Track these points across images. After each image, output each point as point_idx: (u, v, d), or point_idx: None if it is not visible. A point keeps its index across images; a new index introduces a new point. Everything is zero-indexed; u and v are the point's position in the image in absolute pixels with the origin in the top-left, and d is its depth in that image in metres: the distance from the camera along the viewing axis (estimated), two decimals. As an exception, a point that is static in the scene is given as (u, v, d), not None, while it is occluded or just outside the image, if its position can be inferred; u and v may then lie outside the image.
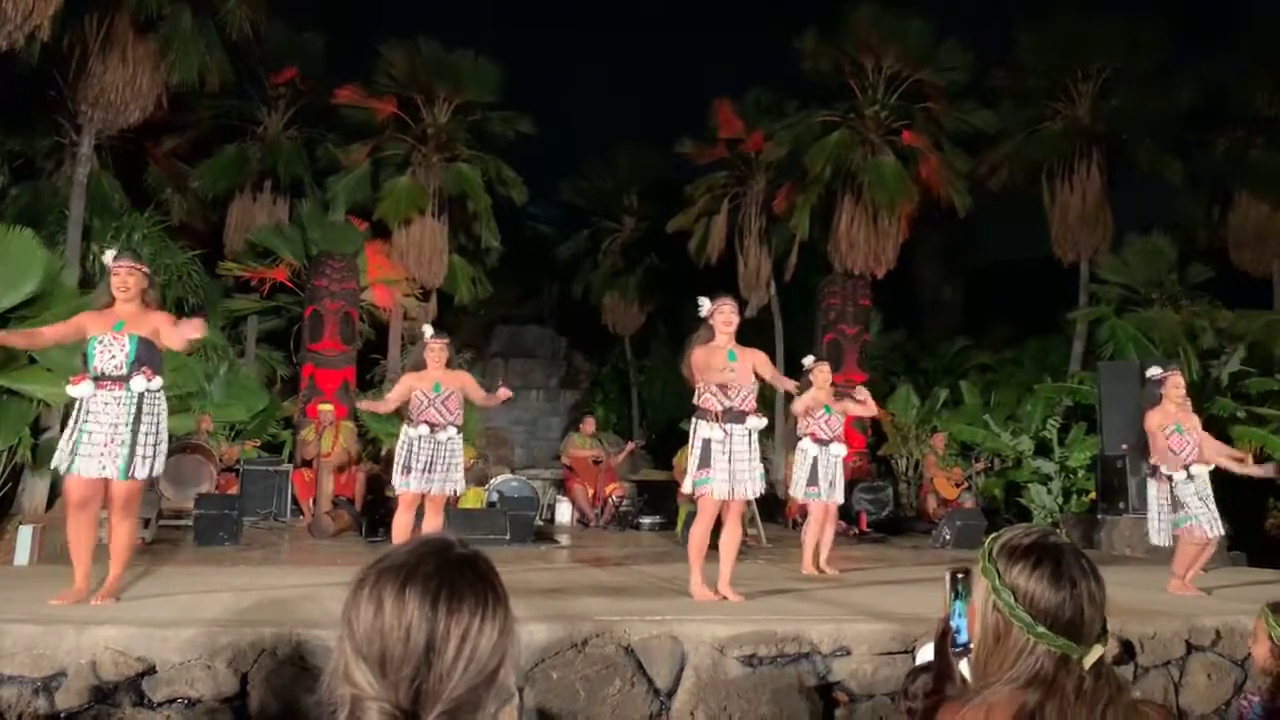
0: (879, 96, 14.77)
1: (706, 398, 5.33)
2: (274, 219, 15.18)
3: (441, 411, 6.07)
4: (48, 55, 11.30)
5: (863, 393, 7.47)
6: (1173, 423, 6.25)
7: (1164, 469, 6.23)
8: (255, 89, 15.35)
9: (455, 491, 6.29)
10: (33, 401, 8.07)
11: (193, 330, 4.70)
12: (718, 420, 5.25)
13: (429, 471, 6.01)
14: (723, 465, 5.21)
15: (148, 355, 4.76)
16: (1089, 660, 1.39)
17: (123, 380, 4.69)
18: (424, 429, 6.03)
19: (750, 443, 5.33)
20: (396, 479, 6.07)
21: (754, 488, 5.33)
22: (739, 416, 5.26)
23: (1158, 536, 6.32)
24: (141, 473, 4.73)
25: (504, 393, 6.26)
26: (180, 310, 12.46)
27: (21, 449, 8.08)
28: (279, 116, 15.66)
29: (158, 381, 4.79)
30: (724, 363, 5.22)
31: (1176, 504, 6.19)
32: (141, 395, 4.72)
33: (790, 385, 6.21)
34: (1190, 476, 6.16)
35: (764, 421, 5.37)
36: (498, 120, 16.09)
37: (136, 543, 4.97)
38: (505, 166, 16.00)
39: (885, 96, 14.79)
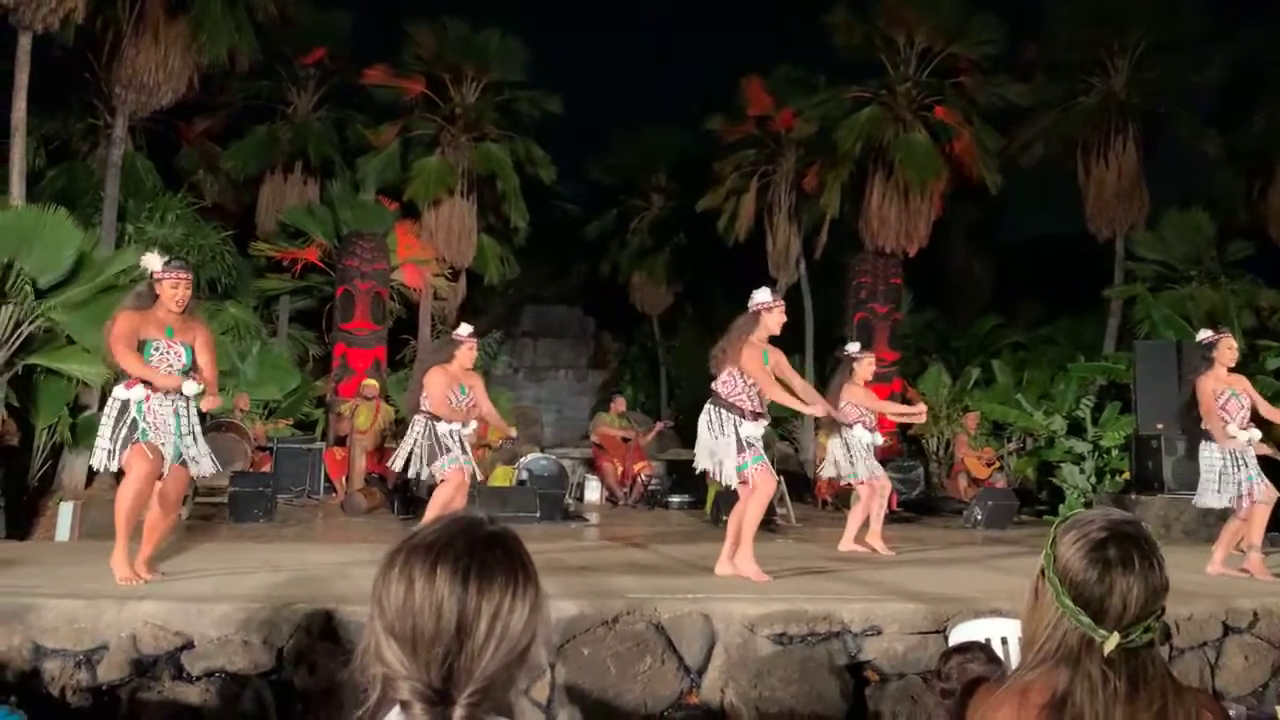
0: (910, 72, 14.55)
1: (740, 395, 5.53)
2: (305, 199, 15.27)
3: (470, 411, 6.33)
4: (82, 38, 11.46)
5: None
6: (1226, 387, 6.10)
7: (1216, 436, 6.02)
8: (285, 70, 15.41)
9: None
10: (71, 381, 8.22)
11: (208, 404, 5.03)
12: (746, 417, 5.49)
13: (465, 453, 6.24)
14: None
15: (195, 363, 5.01)
16: (1107, 647, 1.42)
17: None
18: (457, 425, 6.19)
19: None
20: (439, 463, 6.08)
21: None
22: (757, 417, 5.53)
23: (1217, 499, 6.07)
24: (197, 469, 5.00)
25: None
26: (213, 290, 12.63)
27: (61, 427, 8.24)
28: (308, 97, 15.73)
29: (199, 387, 4.94)
30: (762, 367, 5.48)
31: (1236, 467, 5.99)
32: (191, 398, 4.92)
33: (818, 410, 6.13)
34: (1246, 440, 5.99)
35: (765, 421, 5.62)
36: (525, 100, 16.05)
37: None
38: (533, 146, 15.95)
39: (917, 72, 14.57)
